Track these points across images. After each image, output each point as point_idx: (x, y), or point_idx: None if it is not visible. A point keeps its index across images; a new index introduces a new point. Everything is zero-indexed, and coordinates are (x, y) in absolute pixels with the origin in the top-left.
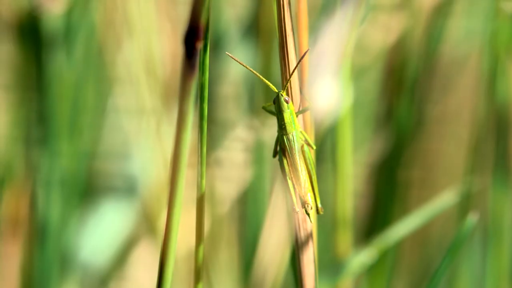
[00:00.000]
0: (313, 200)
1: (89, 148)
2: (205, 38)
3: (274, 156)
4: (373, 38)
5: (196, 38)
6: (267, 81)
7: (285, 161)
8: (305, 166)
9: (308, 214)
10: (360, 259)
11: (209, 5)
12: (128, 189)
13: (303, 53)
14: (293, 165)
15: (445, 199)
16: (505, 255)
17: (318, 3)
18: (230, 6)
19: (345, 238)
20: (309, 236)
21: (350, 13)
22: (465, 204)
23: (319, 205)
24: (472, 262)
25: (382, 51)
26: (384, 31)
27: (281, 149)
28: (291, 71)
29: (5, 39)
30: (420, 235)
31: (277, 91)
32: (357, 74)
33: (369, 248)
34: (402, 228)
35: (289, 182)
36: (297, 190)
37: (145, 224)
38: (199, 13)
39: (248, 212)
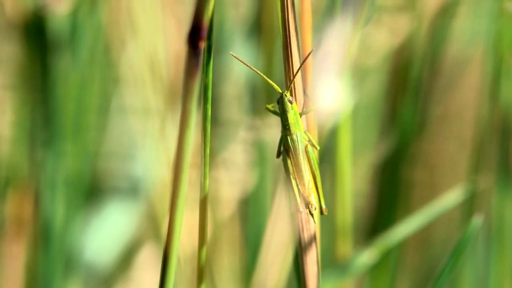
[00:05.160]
0: (317, 200)
1: (94, 148)
2: (209, 38)
3: (278, 156)
4: (377, 39)
5: (200, 38)
6: (271, 82)
7: (289, 162)
8: (309, 167)
9: (311, 215)
10: (361, 259)
11: (213, 5)
12: (133, 189)
13: (306, 54)
14: (297, 165)
15: (448, 200)
16: (509, 256)
17: (322, 3)
18: (232, 6)
19: (345, 239)
20: (313, 236)
21: (353, 14)
22: (468, 205)
23: (324, 206)
24: (476, 262)
25: (386, 53)
26: (388, 33)
27: (285, 149)
28: (295, 72)
29: (10, 39)
30: (423, 236)
31: (281, 91)
32: (362, 75)
33: (372, 248)
34: (405, 228)
35: (293, 182)
36: (301, 190)
37: (150, 225)
38: (203, 12)
39: (251, 214)
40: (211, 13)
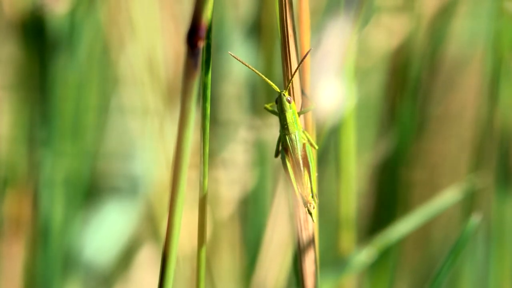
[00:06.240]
0: (313, 195)
1: (92, 148)
2: (208, 38)
3: (276, 156)
4: (376, 40)
5: (198, 37)
6: (269, 81)
7: (287, 160)
8: (307, 166)
9: (310, 214)
10: (361, 257)
11: (212, 4)
12: (131, 189)
13: (305, 53)
14: (295, 164)
15: (446, 198)
16: (508, 255)
17: (321, 4)
18: (232, 6)
19: (348, 237)
20: (311, 236)
21: (352, 14)
22: (468, 204)
23: (315, 199)
24: (475, 262)
25: (385, 53)
26: (387, 33)
27: (284, 148)
28: (293, 71)
29: (8, 39)
30: (423, 235)
31: (279, 91)
32: (361, 75)
33: (371, 246)
34: (403, 226)
35: (292, 179)
36: (299, 189)
37: (148, 225)
38: (202, 12)
39: (251, 214)
40: (210, 12)
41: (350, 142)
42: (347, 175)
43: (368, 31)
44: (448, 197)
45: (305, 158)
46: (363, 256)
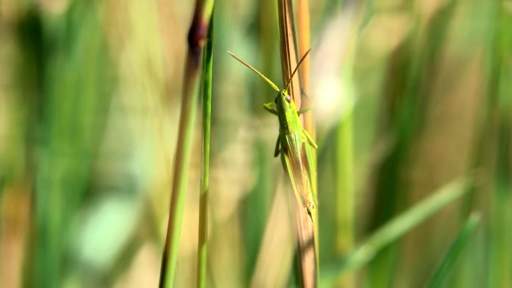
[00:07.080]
0: (313, 195)
1: (91, 147)
2: (209, 36)
3: (276, 155)
4: (376, 39)
5: (199, 36)
6: (269, 81)
7: (287, 160)
8: (306, 165)
9: (309, 213)
10: (359, 256)
11: (213, 3)
12: (130, 189)
13: (304, 53)
14: (295, 164)
15: (445, 195)
16: (508, 255)
17: (320, 3)
18: (232, 5)
19: (345, 237)
20: (311, 235)
21: (352, 14)
22: (467, 204)
23: (315, 198)
24: (475, 261)
25: (385, 53)
26: (387, 33)
27: (283, 148)
28: (292, 71)
29: (5, 38)
30: (422, 234)
31: (279, 90)
32: (361, 75)
33: (369, 245)
34: (400, 224)
35: (292, 179)
36: (298, 189)
37: (147, 224)
38: (203, 10)
39: (250, 213)
40: (211, 11)
41: (347, 142)
42: (344, 175)
43: (367, 31)
44: (447, 194)
45: (304, 158)
46: (361, 254)
